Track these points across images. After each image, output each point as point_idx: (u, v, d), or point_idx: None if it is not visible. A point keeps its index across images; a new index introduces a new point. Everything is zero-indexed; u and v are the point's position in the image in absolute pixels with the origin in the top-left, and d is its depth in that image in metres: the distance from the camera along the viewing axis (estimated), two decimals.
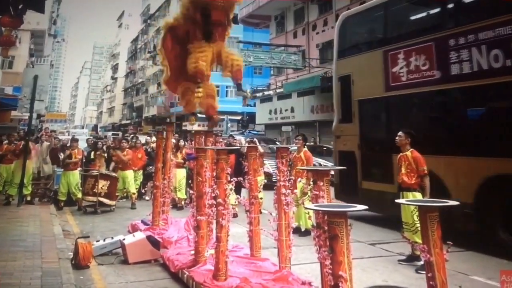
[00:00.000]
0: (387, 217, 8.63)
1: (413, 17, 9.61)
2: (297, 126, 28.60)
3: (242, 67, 6.47)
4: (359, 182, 9.63)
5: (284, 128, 28.54)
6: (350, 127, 10.08)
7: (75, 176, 11.11)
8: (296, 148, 8.71)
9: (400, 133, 6.77)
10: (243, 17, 36.83)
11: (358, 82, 10.06)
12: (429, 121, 8.81)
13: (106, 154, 12.63)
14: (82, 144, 13.82)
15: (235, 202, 8.24)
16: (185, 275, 5.40)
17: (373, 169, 9.61)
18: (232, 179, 5.36)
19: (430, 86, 8.33)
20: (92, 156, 12.25)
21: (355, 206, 3.53)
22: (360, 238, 7.77)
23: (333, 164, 12.50)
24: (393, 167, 8.26)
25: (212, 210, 5.32)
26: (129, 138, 16.30)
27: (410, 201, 5.07)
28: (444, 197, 6.96)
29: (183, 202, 11.26)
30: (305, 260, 6.00)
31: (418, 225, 3.95)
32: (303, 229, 8.02)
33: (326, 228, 3.45)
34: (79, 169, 11.28)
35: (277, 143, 18.63)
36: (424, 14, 9.34)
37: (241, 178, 5.65)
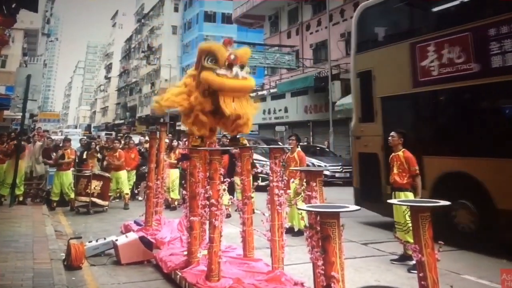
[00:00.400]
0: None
1: (444, 6, 8.52)
2: (290, 126, 28.66)
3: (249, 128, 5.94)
4: (383, 187, 8.62)
5: (277, 128, 28.58)
6: (372, 127, 9.19)
7: (68, 176, 11.07)
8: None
9: (393, 133, 6.81)
10: (237, 17, 36.88)
11: (380, 77, 9.22)
12: (467, 119, 7.87)
13: (99, 154, 12.58)
14: (75, 144, 13.77)
15: (228, 202, 8.24)
16: (178, 276, 5.39)
17: None
18: (225, 180, 5.36)
19: (467, 81, 7.54)
20: (84, 156, 12.20)
21: (348, 207, 3.54)
22: (353, 238, 7.78)
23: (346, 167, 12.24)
24: (423, 171, 7.46)
25: (205, 211, 5.30)
26: (120, 138, 16.23)
27: (402, 201, 5.09)
28: (485, 203, 7.00)
29: (176, 203, 11.25)
30: (298, 260, 6.01)
31: (410, 225, 3.96)
32: (296, 230, 8.03)
33: (318, 228, 3.47)
34: (72, 169, 11.24)
35: (279, 143, 18.39)
36: (458, 1, 8.37)
37: (233, 179, 5.66)
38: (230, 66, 5.28)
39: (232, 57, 5.29)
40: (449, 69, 7.82)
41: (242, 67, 5.39)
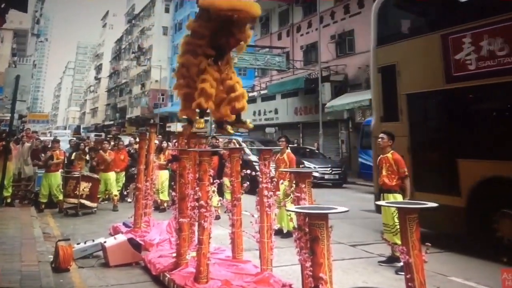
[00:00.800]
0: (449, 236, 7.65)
1: None
2: (280, 128, 28.71)
3: (245, 107, 5.77)
4: (410, 193, 7.57)
5: (267, 130, 28.61)
6: (397, 127, 8.17)
7: (57, 177, 11.00)
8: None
9: (382, 135, 6.84)
10: None
11: (406, 73, 8.40)
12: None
13: (87, 156, 12.51)
14: (64, 145, 13.68)
15: (218, 204, 8.23)
16: (166, 278, 5.37)
17: (430, 177, 7.87)
18: (215, 181, 5.35)
19: (510, 76, 6.74)
20: (72, 157, 12.13)
21: (336, 208, 3.56)
22: (341, 239, 7.79)
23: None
24: (458, 175, 7.06)
25: (194, 212, 5.29)
26: (110, 139, 16.13)
27: (390, 203, 5.12)
28: None
29: (165, 204, 11.22)
30: (287, 262, 6.01)
31: (399, 226, 3.99)
32: (285, 231, 8.04)
33: (307, 230, 3.48)
34: (60, 170, 11.17)
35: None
36: None
37: (223, 180, 5.65)
38: None
39: None
40: (489, 62, 7.07)
41: None
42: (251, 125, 6.04)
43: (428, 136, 8.27)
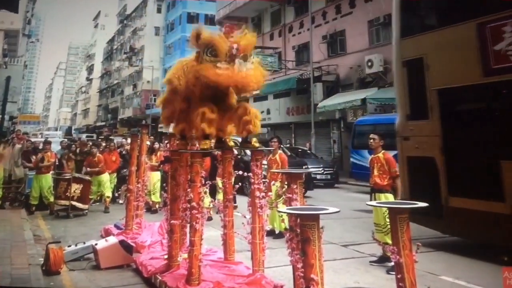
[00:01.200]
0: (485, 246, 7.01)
1: None
2: (272, 128, 28.72)
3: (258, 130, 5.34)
4: (444, 198, 7.22)
5: (259, 130, 28.58)
6: (426, 125, 7.61)
7: (48, 179, 10.93)
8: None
9: (373, 135, 6.88)
10: (220, 19, 36.76)
11: (436, 66, 7.60)
12: None
13: (78, 157, 12.43)
14: (56, 147, 13.59)
15: (210, 205, 8.21)
16: (158, 280, 5.35)
17: (467, 181, 7.13)
18: (207, 182, 5.33)
19: None
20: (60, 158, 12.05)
21: (327, 209, 3.57)
22: (333, 240, 7.81)
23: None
24: (502, 178, 6.41)
25: (186, 214, 5.27)
26: (101, 140, 16.04)
27: (381, 203, 5.14)
28: None
29: (157, 206, 11.17)
30: (279, 263, 6.01)
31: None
32: (277, 232, 8.03)
33: (298, 231, 3.48)
34: (51, 172, 11.10)
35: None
36: None
37: (215, 181, 5.61)
38: (232, 59, 4.72)
39: (234, 49, 4.73)
40: None
41: (245, 57, 4.78)
42: (257, 144, 5.59)
43: (465, 135, 7.31)
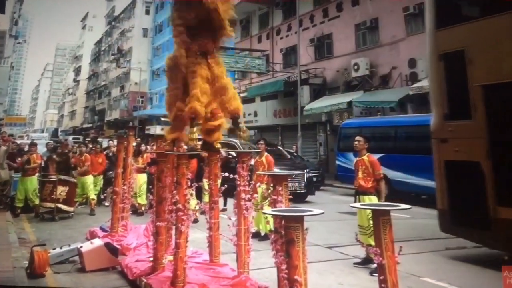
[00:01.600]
0: None
1: None
2: (260, 131, 28.76)
3: (240, 109, 5.62)
4: (491, 208, 6.34)
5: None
6: (469, 126, 6.74)
7: (33, 181, 10.84)
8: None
9: (359, 137, 6.93)
10: None
11: (480, 59, 6.71)
12: None
13: (57, 158, 12.32)
14: (42, 149, 13.48)
15: (196, 207, 8.21)
16: (143, 283, 5.34)
17: None
18: (193, 184, 5.34)
19: None
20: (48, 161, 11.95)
21: (311, 211, 3.60)
22: (317, 241, 7.84)
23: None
24: None
25: (172, 216, 5.27)
26: (88, 142, 15.94)
27: (364, 205, 5.18)
28: None
29: (143, 208, 11.11)
30: (264, 264, 6.03)
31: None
32: (262, 234, 8.06)
33: (283, 232, 3.50)
34: (37, 174, 11.01)
35: (279, 147, 17.51)
36: None
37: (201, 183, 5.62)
38: None
39: None
40: None
41: None
42: (248, 132, 5.79)
43: None
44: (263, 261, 6.15)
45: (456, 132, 6.90)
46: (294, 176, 12.94)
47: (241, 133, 5.68)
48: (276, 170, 12.32)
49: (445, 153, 7.10)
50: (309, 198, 14.01)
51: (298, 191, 13.06)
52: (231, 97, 5.47)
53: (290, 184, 12.63)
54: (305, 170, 14.03)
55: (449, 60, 7.11)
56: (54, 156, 12.09)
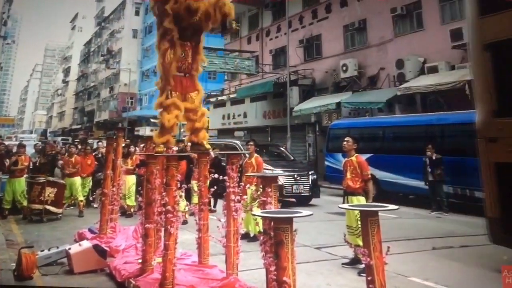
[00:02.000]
0: None
1: None
2: (249, 131, 28.77)
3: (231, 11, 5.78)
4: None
5: (236, 133, 28.66)
6: None
7: (21, 183, 10.76)
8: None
9: (347, 138, 6.99)
10: None
11: None
12: None
13: (42, 159, 12.24)
14: (30, 150, 13.37)
15: (185, 208, 8.20)
16: (132, 285, 5.33)
17: None
18: (182, 186, 5.34)
19: None
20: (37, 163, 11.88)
21: (300, 212, 3.62)
22: (306, 242, 7.86)
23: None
24: None
25: (161, 218, 5.26)
26: (77, 143, 15.85)
27: (352, 206, 5.21)
28: None
29: (132, 210, 11.07)
30: (253, 266, 6.03)
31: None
32: (251, 235, 8.07)
33: (272, 234, 3.52)
34: (25, 176, 10.92)
35: (281, 148, 17.31)
36: None
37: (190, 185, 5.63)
38: None
39: None
40: None
41: None
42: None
43: None
44: (252, 263, 6.16)
45: (507, 130, 6.02)
46: (298, 178, 12.90)
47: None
48: (280, 171, 12.41)
49: (495, 154, 6.21)
50: (313, 201, 13.72)
51: (302, 194, 12.94)
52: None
53: (294, 187, 12.63)
54: (310, 172, 13.81)
55: (497, 50, 6.18)
56: (41, 158, 12.01)
